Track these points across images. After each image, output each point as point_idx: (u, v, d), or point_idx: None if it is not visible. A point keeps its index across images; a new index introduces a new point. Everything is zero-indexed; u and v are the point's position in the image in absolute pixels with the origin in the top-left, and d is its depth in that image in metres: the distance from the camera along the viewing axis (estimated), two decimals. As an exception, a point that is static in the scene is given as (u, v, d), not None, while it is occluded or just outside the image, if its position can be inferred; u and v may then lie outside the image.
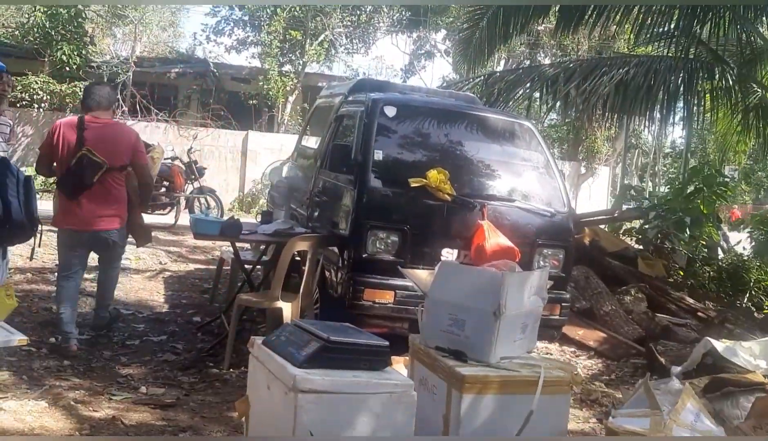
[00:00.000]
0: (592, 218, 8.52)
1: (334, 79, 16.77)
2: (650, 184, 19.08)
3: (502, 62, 19.37)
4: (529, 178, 5.26)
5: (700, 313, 6.84)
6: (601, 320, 6.40)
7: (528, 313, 3.34)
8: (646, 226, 8.48)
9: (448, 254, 4.88)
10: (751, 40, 7.84)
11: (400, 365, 3.95)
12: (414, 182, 4.80)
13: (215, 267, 6.96)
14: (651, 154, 22.36)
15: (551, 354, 5.85)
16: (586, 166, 18.83)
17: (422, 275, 3.78)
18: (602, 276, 7.05)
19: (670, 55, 7.76)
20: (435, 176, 4.83)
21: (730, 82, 7.56)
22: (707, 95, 7.82)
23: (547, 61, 16.62)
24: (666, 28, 7.64)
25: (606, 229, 8.88)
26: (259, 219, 5.98)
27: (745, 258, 8.69)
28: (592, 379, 5.27)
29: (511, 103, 8.44)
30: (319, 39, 18.91)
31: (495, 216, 4.89)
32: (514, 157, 5.33)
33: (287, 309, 4.61)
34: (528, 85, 8.30)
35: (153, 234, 6.12)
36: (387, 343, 2.96)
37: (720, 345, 4.62)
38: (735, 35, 7.66)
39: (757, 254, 8.96)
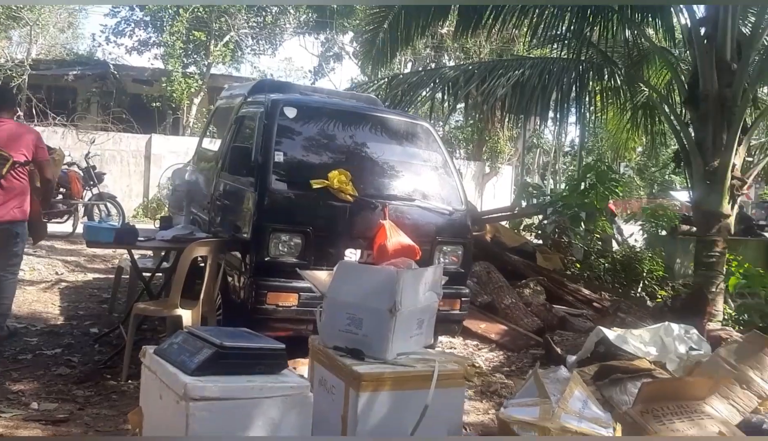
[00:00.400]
0: (493, 215, 8.78)
1: (242, 80, 16.55)
2: (551, 181, 19.89)
3: (409, 65, 19.63)
4: (429, 178, 5.36)
5: (595, 304, 7.17)
6: (502, 313, 6.60)
7: (423, 308, 3.39)
8: (545, 222, 8.83)
9: (352, 254, 4.89)
10: (638, 42, 8.29)
11: (305, 367, 3.94)
12: (315, 183, 4.79)
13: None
14: (551, 153, 23.30)
15: (455, 348, 5.98)
16: (490, 166, 19.37)
17: (321, 276, 3.78)
18: (503, 271, 7.28)
19: (563, 56, 8.09)
20: (336, 177, 4.84)
21: (619, 82, 7.96)
22: (598, 95, 8.19)
23: (451, 64, 16.98)
24: (559, 31, 7.95)
25: (507, 226, 9.16)
26: (158, 225, 5.81)
27: (638, 250, 9.16)
28: (493, 370, 5.42)
29: (414, 105, 8.57)
30: (224, 40, 18.59)
31: (396, 215, 4.95)
32: (413, 157, 5.41)
33: (187, 316, 4.50)
34: (430, 86, 8.44)
35: (49, 244, 5.93)
36: (283, 345, 2.94)
37: (611, 333, 4.84)
38: (623, 37, 8.08)
39: (649, 246, 9.48)
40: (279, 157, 4.88)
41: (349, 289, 3.31)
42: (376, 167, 5.27)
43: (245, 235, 4.85)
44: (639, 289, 8.22)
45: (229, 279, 5.08)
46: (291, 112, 5.11)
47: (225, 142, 5.84)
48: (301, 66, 28.96)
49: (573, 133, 23.96)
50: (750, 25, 7.24)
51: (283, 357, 2.91)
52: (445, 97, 8.45)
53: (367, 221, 4.88)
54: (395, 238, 4.78)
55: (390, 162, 5.32)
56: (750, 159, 7.74)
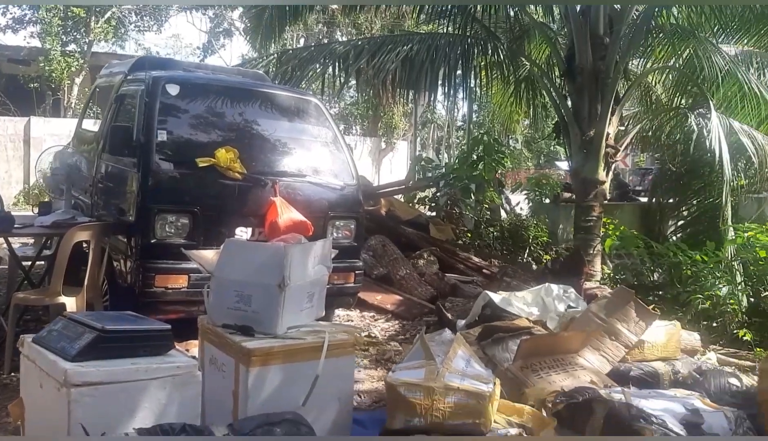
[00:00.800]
0: (387, 189, 8.92)
1: (126, 58, 15.86)
2: (446, 155, 20.38)
3: (302, 40, 19.42)
4: (319, 153, 5.38)
5: (485, 270, 7.48)
6: (397, 284, 6.77)
7: (313, 282, 3.44)
8: (438, 194, 9.06)
9: (243, 233, 4.87)
10: (519, 18, 8.59)
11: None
12: (202, 162, 4.72)
13: (-8, 267, 6.36)
14: (445, 128, 23.83)
15: (352, 320, 6.09)
16: (386, 141, 19.57)
17: (207, 255, 3.75)
18: (398, 243, 7.45)
19: (450, 31, 8.26)
20: (224, 155, 4.79)
21: (502, 57, 8.23)
22: (483, 70, 8.43)
23: (343, 40, 16.94)
24: (445, 7, 8.11)
25: (402, 199, 9.35)
26: (36, 210, 5.54)
27: (524, 218, 9.59)
28: (389, 339, 5.57)
29: (307, 79, 8.51)
30: (106, 16, 17.71)
31: (287, 192, 4.96)
32: (303, 133, 5.41)
33: (71, 303, 4.34)
34: (320, 62, 8.41)
35: None
36: (168, 326, 2.92)
37: (497, 297, 5.08)
38: (505, 13, 8.34)
39: (534, 214, 9.94)
40: (162, 136, 4.77)
41: (237, 267, 3.30)
42: (265, 144, 5.24)
43: (130, 218, 4.72)
44: (525, 255, 8.64)
45: (116, 263, 4.93)
46: (173, 90, 4.99)
47: (105, 122, 5.62)
48: (189, 43, 28.02)
49: (464, 107, 24.50)
50: (620, 0, 7.66)
51: (168, 338, 2.88)
52: (337, 73, 8.44)
53: (257, 199, 4.86)
54: (286, 214, 4.79)
55: (279, 138, 5.31)
56: (622, 128, 8.24)
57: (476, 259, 7.73)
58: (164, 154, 4.71)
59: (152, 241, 4.57)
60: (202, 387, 3.21)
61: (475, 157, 9.05)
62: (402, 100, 10.74)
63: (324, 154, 5.42)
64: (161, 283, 4.53)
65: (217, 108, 5.17)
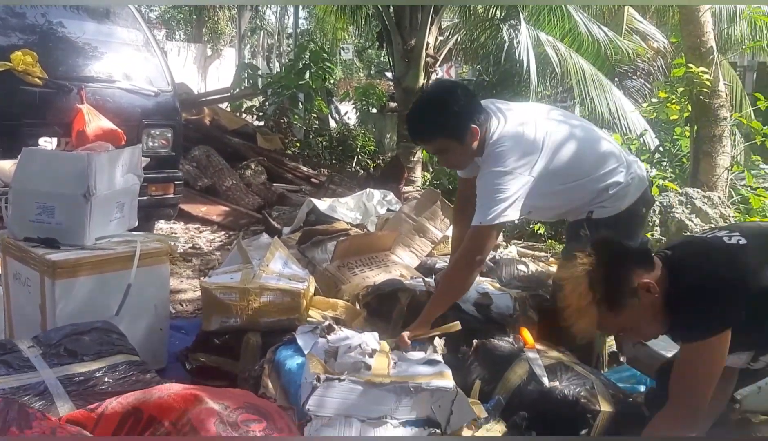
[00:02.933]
0: (211, 98, 8.66)
1: None
2: (277, 64, 19.90)
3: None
4: (129, 57, 5.10)
5: (313, 180, 7.61)
6: (223, 195, 6.72)
7: (123, 191, 3.35)
8: (266, 104, 8.94)
9: (47, 143, 4.58)
10: None
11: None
12: (-6, 67, 4.34)
13: None
14: (276, 35, 23.13)
15: (176, 232, 6.00)
16: (212, 48, 18.71)
17: (4, 166, 3.52)
18: (223, 153, 7.34)
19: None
20: (20, 58, 4.45)
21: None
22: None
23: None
24: None
25: (227, 108, 9.12)
26: None
27: (352, 127, 9.76)
28: (214, 250, 5.58)
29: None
30: None
31: (95, 99, 4.71)
32: (111, 35, 5.09)
33: None
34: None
35: None
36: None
37: (322, 203, 5.22)
38: None
39: (362, 123, 10.14)
40: None
41: (37, 177, 3.13)
42: (69, 47, 4.88)
43: None
44: (354, 164, 8.85)
45: None
46: (-45, -16, 4.46)
47: None
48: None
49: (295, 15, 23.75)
50: None
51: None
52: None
53: (61, 106, 4.58)
54: (95, 122, 4.56)
55: (84, 41, 4.96)
56: (443, 38, 8.51)
57: (305, 169, 7.83)
58: (-54, 58, 4.26)
59: (-61, 154, 4.17)
60: (5, 303, 3.11)
61: (301, 65, 8.96)
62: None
63: (135, 59, 5.14)
64: (-44, 200, 4.18)
65: (13, 7, 4.72)
